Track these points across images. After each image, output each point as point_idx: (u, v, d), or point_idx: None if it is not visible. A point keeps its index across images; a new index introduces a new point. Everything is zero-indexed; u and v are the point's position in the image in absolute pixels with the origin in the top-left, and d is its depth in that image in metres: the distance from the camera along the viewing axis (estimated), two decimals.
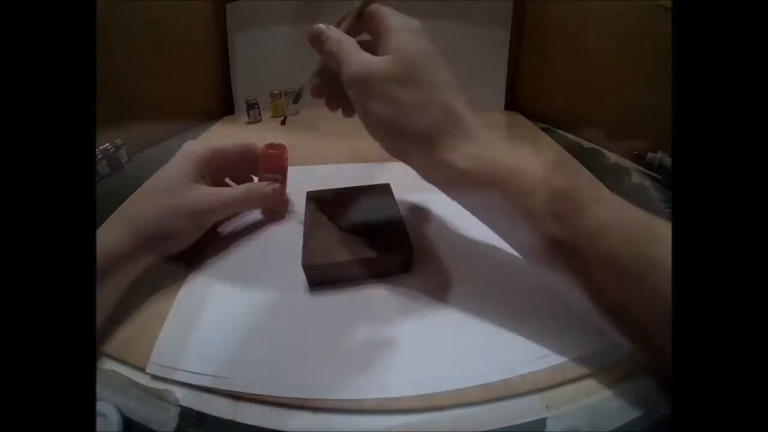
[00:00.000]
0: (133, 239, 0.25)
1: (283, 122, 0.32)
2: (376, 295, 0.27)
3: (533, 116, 0.59)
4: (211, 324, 0.25)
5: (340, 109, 0.29)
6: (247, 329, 0.25)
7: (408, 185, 0.31)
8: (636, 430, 0.19)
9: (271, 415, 0.20)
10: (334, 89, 0.28)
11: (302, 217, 0.32)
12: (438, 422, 0.20)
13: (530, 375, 0.21)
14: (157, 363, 0.23)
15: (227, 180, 0.35)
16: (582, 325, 0.23)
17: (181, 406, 0.21)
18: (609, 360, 0.22)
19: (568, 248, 0.21)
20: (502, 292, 0.26)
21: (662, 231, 0.19)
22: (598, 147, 0.51)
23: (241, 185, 0.33)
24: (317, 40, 0.26)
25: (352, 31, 0.27)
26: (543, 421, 0.20)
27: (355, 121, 0.27)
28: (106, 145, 0.47)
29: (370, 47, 0.25)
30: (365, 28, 0.27)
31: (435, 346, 0.23)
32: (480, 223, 0.25)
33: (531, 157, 0.23)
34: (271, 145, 0.33)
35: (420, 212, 0.34)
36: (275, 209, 0.35)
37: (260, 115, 0.60)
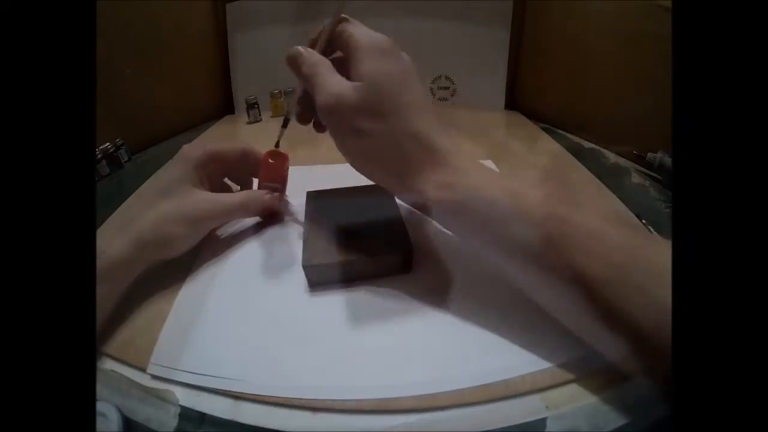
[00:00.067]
0: (132, 245, 0.25)
1: (284, 125, 0.31)
2: (376, 295, 0.27)
3: (533, 116, 0.59)
4: (211, 324, 0.25)
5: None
6: (247, 329, 0.25)
7: None
8: (636, 430, 0.19)
9: (271, 415, 0.20)
10: None
11: (302, 218, 0.32)
12: (438, 422, 0.20)
13: (530, 375, 0.21)
14: (158, 363, 0.23)
15: (227, 180, 0.35)
16: None
17: (181, 406, 0.21)
18: (609, 360, 0.22)
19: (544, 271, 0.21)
20: (502, 292, 0.26)
21: (647, 254, 0.19)
22: (598, 147, 0.51)
23: (240, 192, 0.33)
24: (294, 63, 0.26)
25: (327, 49, 0.27)
26: (543, 421, 0.20)
27: None
28: (106, 145, 0.47)
29: (344, 64, 0.26)
30: (337, 46, 0.27)
31: (435, 346, 0.23)
32: None
33: (506, 182, 0.23)
34: (273, 154, 0.33)
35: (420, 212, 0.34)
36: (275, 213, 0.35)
37: (260, 115, 0.60)
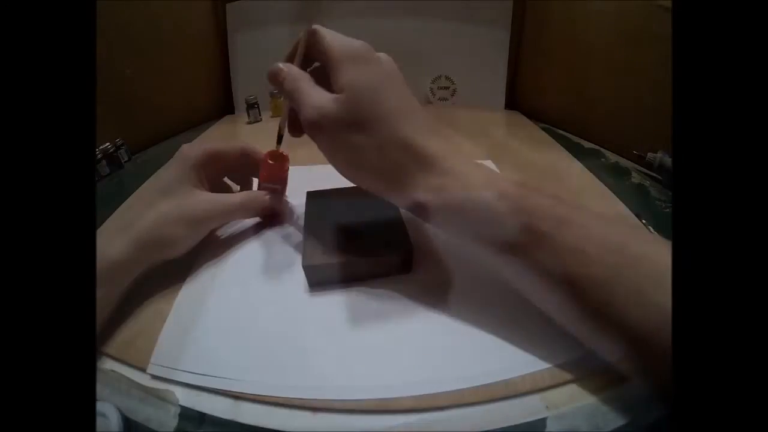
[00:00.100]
0: (132, 245, 0.25)
1: (278, 142, 0.31)
2: (376, 295, 0.27)
3: (533, 116, 0.60)
4: (211, 324, 0.25)
5: None
6: (247, 329, 0.25)
7: None
8: (636, 430, 0.19)
9: (271, 415, 0.20)
10: None
11: (302, 217, 0.32)
12: (438, 422, 0.20)
13: (530, 375, 0.21)
14: (158, 363, 0.23)
15: (226, 180, 0.35)
16: None
17: (181, 406, 0.21)
18: (607, 361, 0.22)
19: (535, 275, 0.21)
20: (502, 292, 0.26)
21: (644, 255, 0.19)
22: (598, 147, 0.51)
23: (240, 193, 0.33)
24: (275, 80, 0.26)
25: (306, 61, 0.27)
26: (543, 421, 0.20)
27: None
28: (106, 145, 0.47)
29: (325, 74, 0.25)
30: (315, 57, 0.27)
31: (435, 346, 0.23)
32: None
33: (499, 183, 0.23)
34: (273, 155, 0.32)
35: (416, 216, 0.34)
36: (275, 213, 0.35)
37: (260, 115, 0.60)
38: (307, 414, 0.20)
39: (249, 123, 0.60)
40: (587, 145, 0.52)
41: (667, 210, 0.37)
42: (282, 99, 0.60)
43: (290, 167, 0.34)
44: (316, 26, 0.26)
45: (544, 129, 0.56)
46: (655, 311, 0.17)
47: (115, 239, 0.25)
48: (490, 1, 0.57)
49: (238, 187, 0.36)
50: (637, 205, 0.37)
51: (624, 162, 0.47)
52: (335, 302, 0.26)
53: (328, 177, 0.34)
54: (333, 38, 0.25)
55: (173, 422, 0.20)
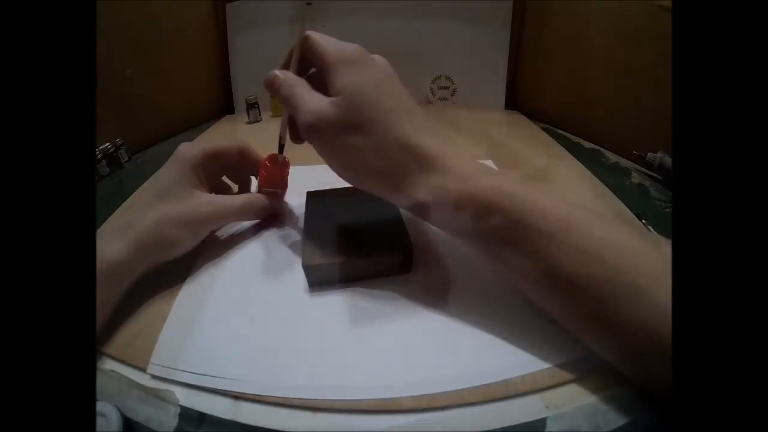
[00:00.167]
0: (132, 247, 0.25)
1: (280, 150, 0.31)
2: (376, 295, 0.27)
3: (533, 116, 0.60)
4: (211, 324, 0.25)
5: None
6: (247, 330, 0.25)
7: None
8: (636, 430, 0.19)
9: (271, 415, 0.20)
10: None
11: (302, 218, 0.32)
12: (438, 422, 0.20)
13: (530, 375, 0.21)
14: (158, 363, 0.23)
15: (225, 179, 0.35)
16: None
17: (181, 406, 0.21)
18: (609, 360, 0.22)
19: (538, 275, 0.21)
20: (502, 292, 0.26)
21: (644, 254, 0.19)
22: (598, 147, 0.51)
23: (240, 195, 0.33)
24: (272, 88, 0.26)
25: (302, 67, 0.27)
26: (543, 421, 0.20)
27: None
28: (106, 145, 0.47)
29: (321, 79, 0.26)
30: (310, 62, 0.27)
31: (435, 346, 0.23)
32: None
33: (498, 181, 0.23)
34: (273, 159, 0.32)
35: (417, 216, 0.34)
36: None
37: (260, 115, 0.60)
38: (307, 414, 0.20)
39: (249, 123, 0.60)
40: (587, 145, 0.52)
41: (667, 210, 0.37)
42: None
43: (290, 167, 0.34)
44: (309, 32, 0.26)
45: (544, 129, 0.56)
46: (655, 311, 0.17)
47: (115, 240, 0.25)
48: (490, 1, 0.57)
49: (237, 187, 0.36)
50: (637, 205, 0.37)
51: (624, 162, 0.47)
52: (335, 302, 0.26)
53: (328, 177, 0.34)
54: (327, 43, 0.25)
55: (173, 422, 0.20)
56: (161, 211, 0.27)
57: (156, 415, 0.20)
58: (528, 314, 0.24)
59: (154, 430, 0.20)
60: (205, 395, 0.21)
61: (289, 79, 0.26)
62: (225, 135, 0.58)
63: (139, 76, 0.52)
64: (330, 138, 0.24)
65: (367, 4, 0.57)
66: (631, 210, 0.36)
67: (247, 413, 0.20)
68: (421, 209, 0.24)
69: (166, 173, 0.29)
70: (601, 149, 0.51)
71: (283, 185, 0.34)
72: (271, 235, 0.33)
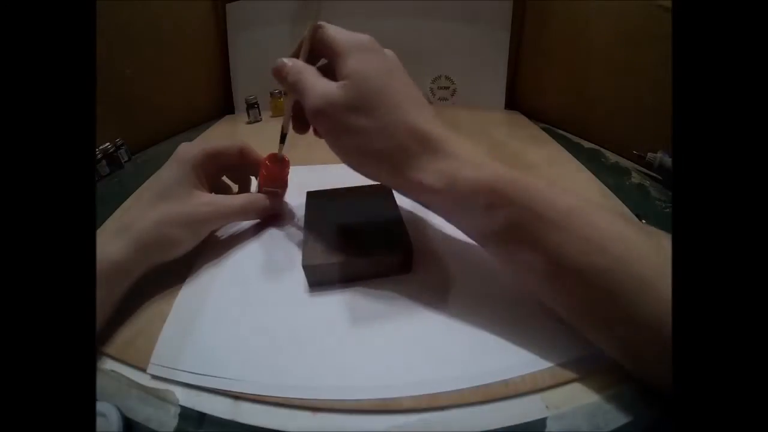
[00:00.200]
0: (132, 247, 0.25)
1: (282, 140, 0.31)
2: (376, 295, 0.27)
3: (533, 116, 0.60)
4: (211, 324, 0.25)
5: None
6: (247, 329, 0.25)
7: None
8: (636, 430, 0.19)
9: (271, 415, 0.20)
10: None
11: (302, 218, 0.32)
12: (438, 422, 0.20)
13: (530, 375, 0.21)
14: (157, 363, 0.23)
15: (225, 179, 0.35)
16: None
17: (181, 406, 0.21)
18: (609, 360, 0.22)
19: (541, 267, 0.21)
20: (503, 292, 0.26)
21: (648, 245, 0.19)
22: (598, 147, 0.51)
23: (241, 195, 0.33)
24: (280, 75, 0.27)
25: (311, 57, 0.27)
26: (543, 421, 0.20)
27: None
28: (106, 144, 0.47)
29: (330, 69, 0.26)
30: (320, 53, 0.27)
31: (435, 346, 0.23)
32: None
33: (502, 169, 0.23)
34: (273, 158, 0.32)
35: (420, 212, 0.34)
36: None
37: (260, 115, 0.60)
38: (307, 414, 0.20)
39: (249, 123, 0.60)
40: (587, 145, 0.52)
41: (667, 210, 0.37)
42: (283, 99, 0.60)
43: (290, 167, 0.34)
44: (321, 22, 0.26)
45: (544, 129, 0.56)
46: (657, 302, 0.17)
47: (115, 240, 0.25)
48: (490, 1, 0.57)
49: (237, 187, 0.36)
50: (637, 205, 0.37)
51: (624, 162, 0.47)
52: (335, 302, 0.26)
53: (328, 177, 0.34)
54: (337, 31, 0.26)
55: (173, 422, 0.20)
56: (161, 211, 0.27)
57: (156, 415, 0.20)
58: (528, 314, 0.24)
59: (154, 430, 0.20)
60: (205, 395, 0.21)
61: (297, 65, 0.26)
62: (225, 135, 0.58)
63: (139, 76, 0.52)
64: (336, 121, 0.24)
65: (367, 4, 0.57)
66: (631, 210, 0.36)
67: (247, 413, 0.20)
68: (424, 193, 0.24)
69: (166, 173, 0.29)
70: (601, 149, 0.51)
71: (283, 185, 0.34)
72: (271, 235, 0.33)
